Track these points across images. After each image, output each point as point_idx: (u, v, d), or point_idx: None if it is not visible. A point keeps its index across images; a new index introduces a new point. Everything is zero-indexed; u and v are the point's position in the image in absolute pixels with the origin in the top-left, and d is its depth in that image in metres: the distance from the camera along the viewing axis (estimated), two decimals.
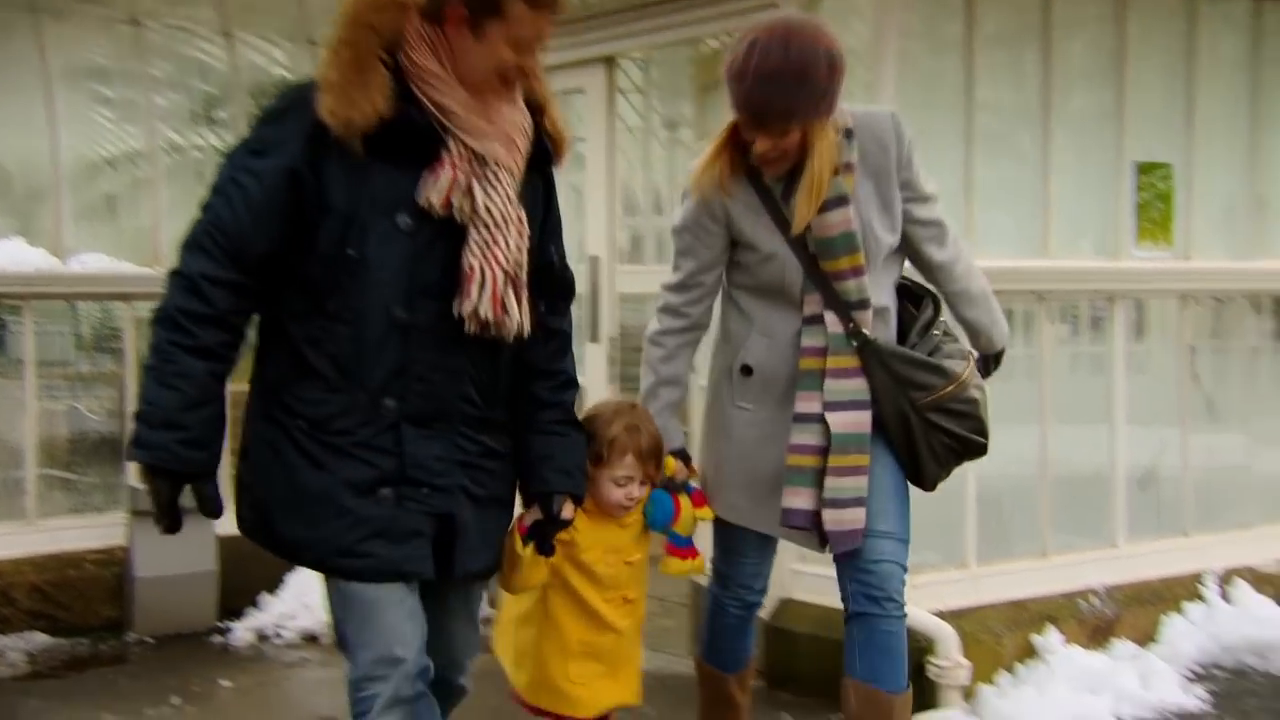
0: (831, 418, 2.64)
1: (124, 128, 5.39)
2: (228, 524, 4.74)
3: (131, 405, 4.92)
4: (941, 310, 2.87)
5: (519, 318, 2.23)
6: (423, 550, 2.23)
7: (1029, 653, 3.99)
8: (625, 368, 4.71)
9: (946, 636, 3.71)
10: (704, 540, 2.82)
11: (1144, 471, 4.62)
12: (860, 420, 2.66)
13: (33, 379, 4.83)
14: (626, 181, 5.82)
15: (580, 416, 2.56)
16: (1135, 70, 4.55)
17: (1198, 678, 4.12)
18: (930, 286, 2.90)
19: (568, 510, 2.42)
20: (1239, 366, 5.01)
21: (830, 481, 2.64)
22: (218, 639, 4.66)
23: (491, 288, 2.18)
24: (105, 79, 5.33)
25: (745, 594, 2.94)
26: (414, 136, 2.14)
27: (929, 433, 2.69)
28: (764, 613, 4.04)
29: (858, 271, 2.65)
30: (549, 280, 2.40)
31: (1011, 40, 4.38)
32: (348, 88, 2.09)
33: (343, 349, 2.17)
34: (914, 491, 2.79)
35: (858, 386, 2.66)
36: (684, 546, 2.77)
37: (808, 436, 2.66)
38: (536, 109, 2.32)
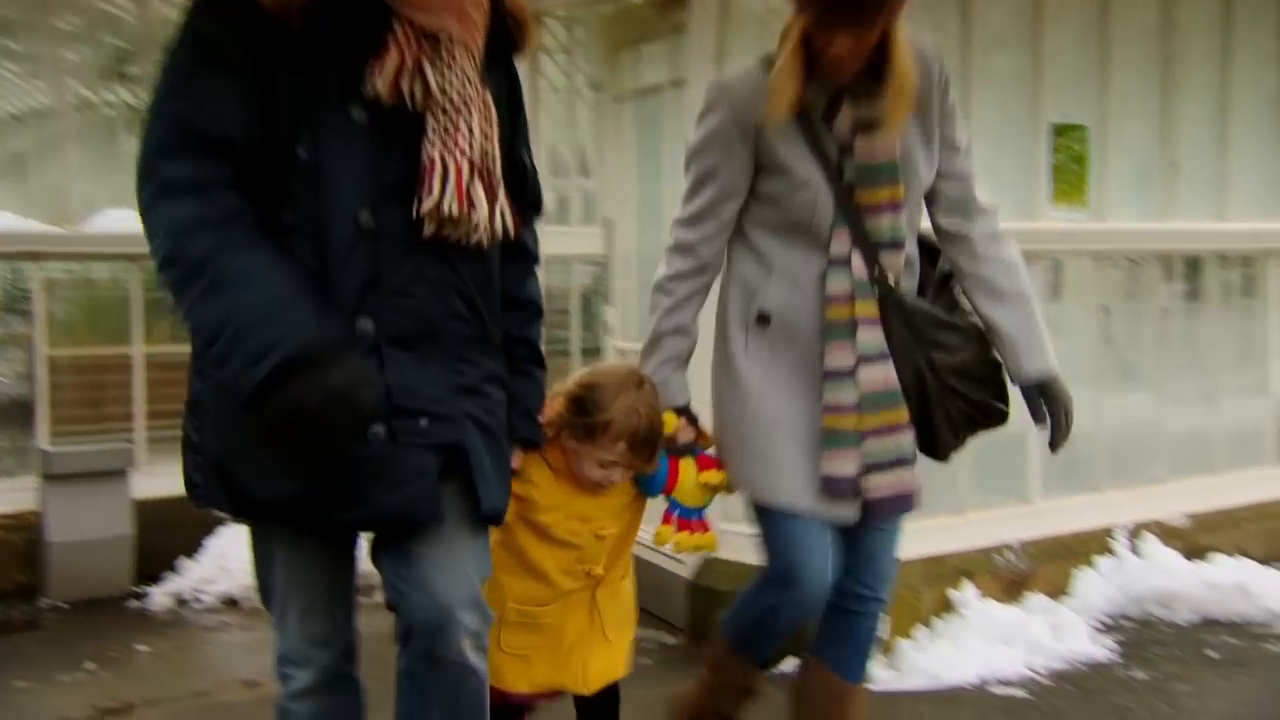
0: (862, 372, 2.39)
1: (31, 83, 5.22)
2: (144, 487, 4.75)
3: (42, 369, 4.83)
4: None
5: (488, 215, 1.96)
6: (429, 491, 1.95)
7: (946, 607, 4.07)
8: (549, 329, 4.67)
9: None
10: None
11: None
12: (890, 375, 2.41)
13: None
14: (552, 142, 5.79)
15: (579, 378, 2.40)
16: (1052, 34, 4.61)
17: (1106, 628, 4.24)
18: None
19: (516, 459, 2.20)
20: (1150, 327, 5.12)
21: (867, 444, 2.40)
22: (134, 604, 4.58)
23: (455, 180, 1.92)
24: (10, 32, 5.15)
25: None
26: (357, 17, 1.90)
27: (946, 398, 2.45)
28: (687, 571, 4.08)
29: (895, 206, 2.39)
30: (519, 189, 2.13)
31: (933, 2, 4.40)
32: None
33: (305, 267, 1.88)
34: None
35: (881, 339, 2.41)
36: (690, 519, 2.50)
37: (846, 394, 2.39)
38: None
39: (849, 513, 2.44)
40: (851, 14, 2.23)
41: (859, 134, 2.37)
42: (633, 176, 4.79)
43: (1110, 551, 4.58)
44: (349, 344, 1.85)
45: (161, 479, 4.83)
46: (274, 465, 1.84)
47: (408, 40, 1.91)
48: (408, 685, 2.03)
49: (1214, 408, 5.21)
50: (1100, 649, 4.03)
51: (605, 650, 2.53)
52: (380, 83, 1.89)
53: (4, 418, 4.96)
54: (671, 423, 2.45)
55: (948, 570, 4.18)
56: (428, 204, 1.91)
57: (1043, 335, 2.51)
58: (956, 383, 2.45)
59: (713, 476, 2.49)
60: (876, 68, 2.32)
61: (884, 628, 3.67)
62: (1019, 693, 3.65)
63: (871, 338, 2.39)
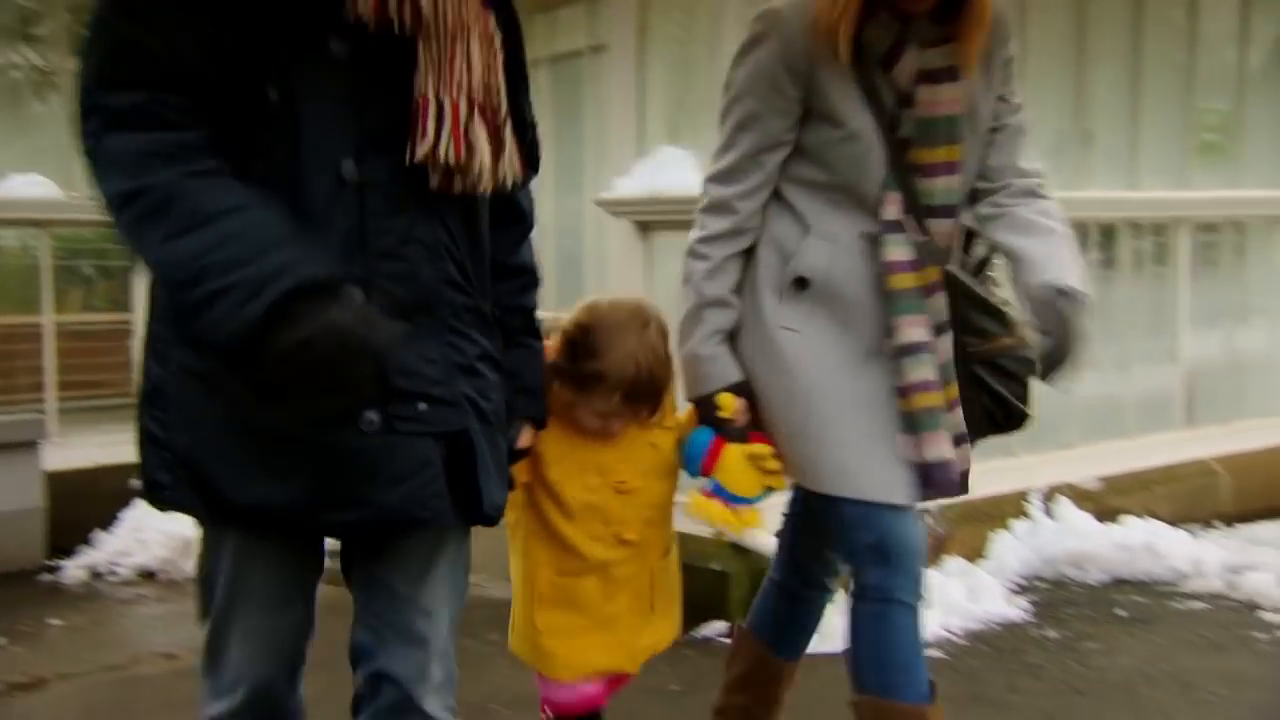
0: (939, 343, 2.17)
1: None
2: (56, 459, 4.65)
3: None
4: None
5: (491, 162, 1.67)
6: (434, 486, 1.67)
7: None
8: None
9: None
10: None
11: None
12: (949, 345, 2.20)
13: None
14: None
15: (577, 315, 2.14)
16: None
17: (1021, 589, 4.33)
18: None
19: (526, 438, 1.96)
20: None
21: (945, 420, 2.18)
22: (47, 577, 4.49)
23: (452, 119, 1.62)
24: None
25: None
26: None
27: (971, 390, 2.21)
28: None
29: (951, 169, 2.15)
30: (520, 141, 1.79)
31: None
32: None
33: None
34: None
35: (945, 306, 2.19)
36: (733, 503, 2.17)
37: (928, 369, 2.14)
38: None
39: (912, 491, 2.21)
40: None
41: (921, 84, 2.12)
42: (549, 143, 4.74)
43: (1025, 515, 4.67)
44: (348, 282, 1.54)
45: (73, 450, 4.74)
46: (258, 461, 1.59)
47: None
48: None
49: (1125, 374, 5.33)
50: (1014, 609, 4.11)
51: (651, 623, 2.27)
52: (363, 2, 1.59)
53: None
54: (729, 405, 2.18)
55: None
56: (422, 149, 1.62)
57: (1074, 260, 2.25)
58: (986, 374, 2.22)
59: (768, 462, 2.19)
60: (944, 11, 2.09)
61: None
62: (935, 653, 3.71)
63: (942, 304, 2.18)
